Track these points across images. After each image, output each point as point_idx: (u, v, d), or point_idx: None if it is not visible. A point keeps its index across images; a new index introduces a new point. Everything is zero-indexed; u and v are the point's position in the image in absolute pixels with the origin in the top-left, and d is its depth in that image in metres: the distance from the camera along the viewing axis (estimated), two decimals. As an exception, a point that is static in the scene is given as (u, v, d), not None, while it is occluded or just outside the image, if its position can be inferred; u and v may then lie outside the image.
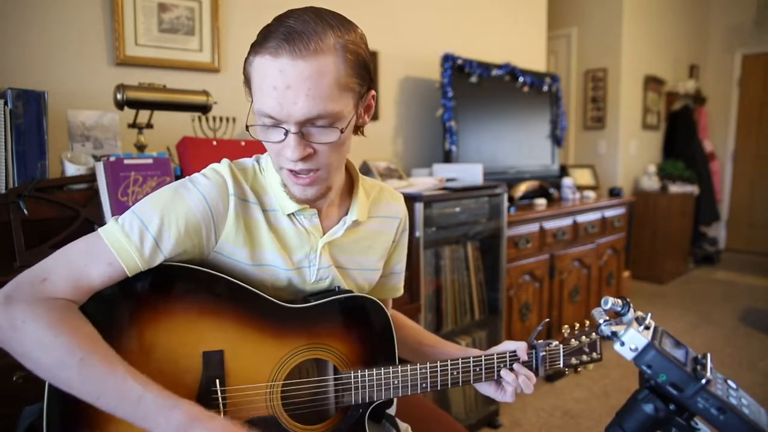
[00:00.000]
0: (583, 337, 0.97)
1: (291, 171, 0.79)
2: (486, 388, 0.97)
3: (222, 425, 0.68)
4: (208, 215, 0.79)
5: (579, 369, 0.98)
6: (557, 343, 0.96)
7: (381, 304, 0.91)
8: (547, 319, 1.05)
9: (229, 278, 0.81)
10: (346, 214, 0.92)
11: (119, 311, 0.76)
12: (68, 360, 0.66)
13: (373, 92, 0.83)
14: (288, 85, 0.70)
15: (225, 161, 0.86)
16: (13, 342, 0.68)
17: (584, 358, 0.97)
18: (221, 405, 0.77)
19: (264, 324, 0.82)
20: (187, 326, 0.78)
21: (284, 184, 0.84)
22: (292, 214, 0.86)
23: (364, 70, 0.78)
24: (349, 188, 0.95)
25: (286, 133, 0.74)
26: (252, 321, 0.82)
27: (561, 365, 0.96)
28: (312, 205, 0.87)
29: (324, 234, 0.89)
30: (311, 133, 0.75)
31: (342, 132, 0.76)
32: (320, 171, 0.79)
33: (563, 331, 0.98)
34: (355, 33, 0.77)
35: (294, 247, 0.87)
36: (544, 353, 0.95)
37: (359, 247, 0.95)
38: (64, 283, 0.71)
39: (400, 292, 1.10)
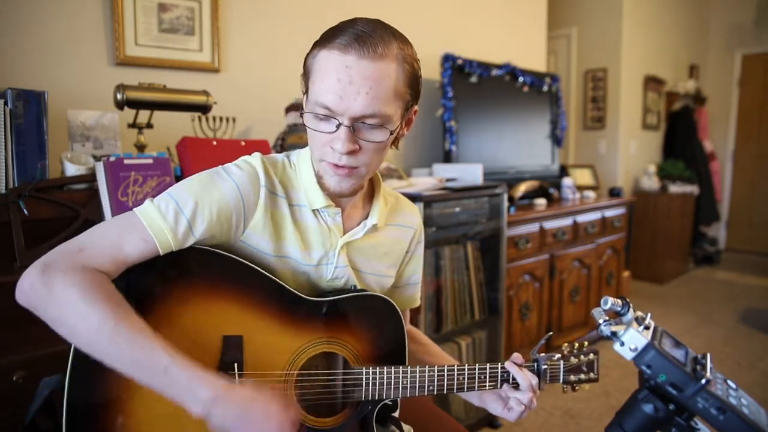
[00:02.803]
0: (582, 355, 0.99)
1: (331, 163, 0.82)
2: (494, 407, 0.97)
3: (244, 398, 0.70)
4: (239, 204, 0.82)
5: (576, 388, 1.00)
6: (559, 356, 0.98)
7: (395, 305, 0.92)
8: (551, 333, 1.06)
9: (254, 266, 0.82)
10: (366, 217, 0.95)
11: (147, 288, 0.78)
12: (102, 327, 0.68)
13: (416, 108, 0.88)
14: (351, 80, 0.75)
15: (257, 154, 0.88)
16: (49, 308, 0.70)
17: (582, 376, 0.99)
18: None
19: (284, 314, 0.84)
20: (210, 309, 0.80)
21: (320, 176, 0.86)
22: (317, 210, 0.89)
23: (416, 85, 0.84)
24: (370, 193, 0.98)
25: (338, 125, 0.77)
26: (273, 309, 0.83)
27: (560, 381, 0.98)
28: (337, 204, 0.90)
29: (344, 234, 0.92)
30: (361, 130, 0.79)
31: (391, 133, 0.80)
32: (360, 168, 0.82)
33: (563, 348, 0.99)
34: (413, 50, 0.83)
35: (315, 244, 0.89)
36: (546, 366, 0.96)
37: (376, 252, 0.97)
38: (100, 254, 0.74)
39: (417, 302, 1.11)
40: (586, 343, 1.01)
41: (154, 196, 0.81)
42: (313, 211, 0.89)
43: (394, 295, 1.05)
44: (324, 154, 0.82)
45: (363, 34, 0.75)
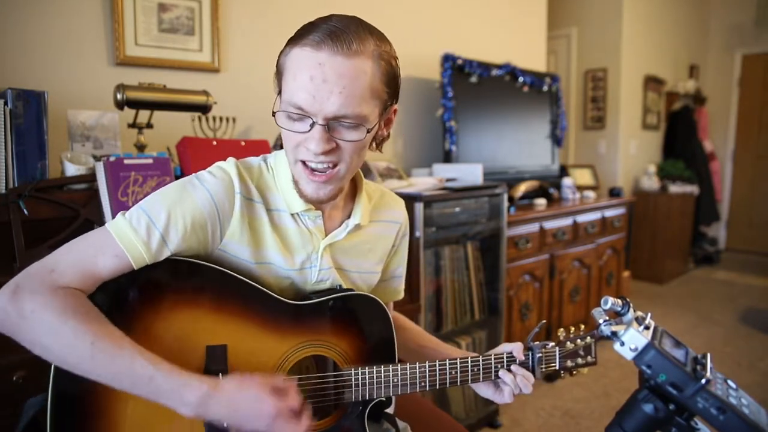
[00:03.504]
0: (579, 340, 0.98)
1: (307, 167, 0.80)
2: (484, 390, 0.97)
3: (231, 393, 0.70)
4: (214, 213, 0.80)
5: (574, 372, 0.99)
6: (553, 344, 0.97)
7: (382, 303, 0.92)
8: (544, 321, 1.06)
9: (235, 274, 0.81)
10: (349, 217, 0.93)
11: (125, 303, 0.77)
12: (79, 344, 0.67)
13: (395, 107, 0.86)
14: (325, 78, 0.72)
15: (231, 160, 0.86)
16: (22, 331, 0.69)
17: (579, 361, 0.98)
18: None
19: (267, 320, 0.83)
20: (192, 320, 0.79)
21: (296, 181, 0.84)
22: (297, 214, 0.87)
23: (394, 83, 0.81)
24: (353, 192, 0.95)
25: (313, 124, 0.75)
26: (256, 316, 0.82)
27: (557, 367, 0.97)
28: (317, 206, 0.88)
29: (326, 236, 0.90)
30: (336, 129, 0.77)
31: (368, 131, 0.78)
32: (338, 168, 0.80)
33: (559, 334, 0.99)
34: (391, 47, 0.81)
35: (296, 248, 0.88)
36: (540, 354, 0.96)
37: (360, 250, 0.96)
38: (72, 273, 0.72)
39: (401, 295, 1.11)
40: (582, 326, 1.00)
41: (126, 211, 0.79)
42: (293, 215, 0.87)
43: (379, 288, 1.04)
44: (299, 153, 0.79)
45: (336, 30, 0.73)
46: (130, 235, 0.74)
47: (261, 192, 0.86)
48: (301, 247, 0.88)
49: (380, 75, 0.77)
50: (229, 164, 0.85)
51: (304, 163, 0.80)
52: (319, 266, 0.89)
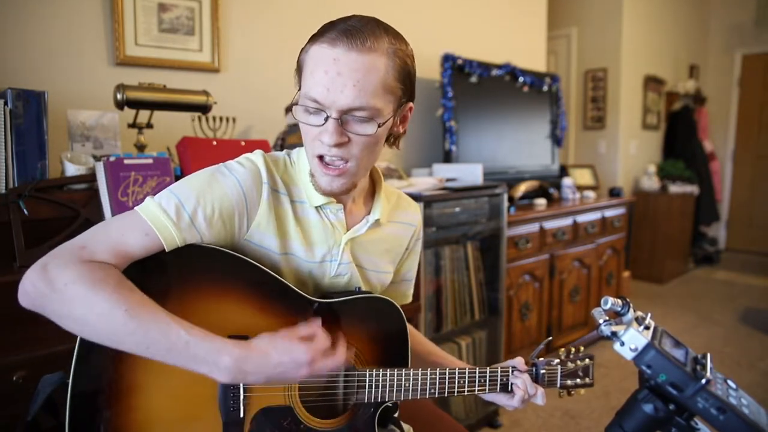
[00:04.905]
0: (578, 361, 1.01)
1: (322, 161, 0.82)
2: (496, 396, 0.99)
3: (265, 349, 0.72)
4: (242, 202, 0.82)
5: (572, 392, 1.02)
6: (557, 362, 1.00)
7: (399, 307, 0.93)
8: (550, 338, 1.10)
9: (260, 266, 0.82)
10: (369, 213, 0.95)
11: (150, 288, 0.76)
12: (114, 313, 0.67)
13: (411, 105, 0.88)
14: (339, 72, 0.75)
15: (258, 152, 0.88)
16: (54, 304, 0.69)
17: (578, 381, 1.02)
18: (241, 391, 0.79)
19: (289, 314, 0.84)
20: (216, 309, 0.79)
21: (312, 174, 0.86)
22: (320, 207, 0.89)
23: (408, 80, 0.83)
24: (372, 191, 0.98)
25: (327, 118, 0.78)
26: (277, 310, 0.83)
27: (557, 385, 1.00)
28: (338, 200, 0.90)
29: (348, 230, 0.92)
30: (350, 122, 0.79)
31: (379, 126, 0.80)
32: (350, 163, 0.82)
33: (560, 353, 1.02)
34: (407, 47, 0.83)
35: (318, 241, 0.90)
36: (544, 371, 0.99)
37: (378, 248, 0.98)
38: (103, 250, 0.73)
39: (409, 299, 1.12)
40: (582, 347, 1.04)
41: (154, 195, 0.80)
42: (316, 207, 0.89)
43: (389, 291, 1.06)
44: (314, 148, 0.82)
45: (353, 29, 0.76)
46: (159, 215, 0.75)
47: (286, 184, 0.88)
48: (323, 241, 0.90)
49: (394, 72, 0.79)
50: (257, 155, 0.87)
51: (320, 158, 0.83)
52: (339, 260, 0.91)
